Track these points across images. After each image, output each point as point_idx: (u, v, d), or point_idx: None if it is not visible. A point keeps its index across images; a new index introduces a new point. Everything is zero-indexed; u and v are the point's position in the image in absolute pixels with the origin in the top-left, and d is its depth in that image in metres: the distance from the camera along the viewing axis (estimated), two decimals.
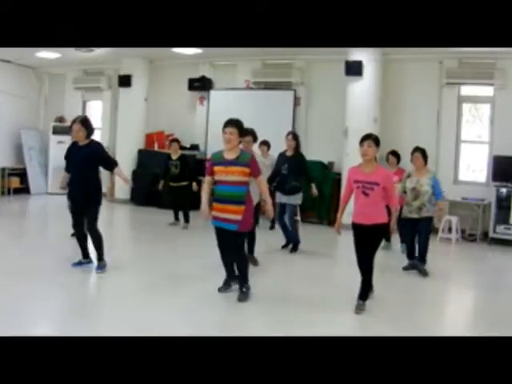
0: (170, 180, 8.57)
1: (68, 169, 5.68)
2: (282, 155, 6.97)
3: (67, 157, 5.88)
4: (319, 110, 10.03)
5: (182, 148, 8.75)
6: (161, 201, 10.40)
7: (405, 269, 6.08)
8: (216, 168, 4.60)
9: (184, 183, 8.44)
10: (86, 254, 5.66)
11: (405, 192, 5.97)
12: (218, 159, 4.64)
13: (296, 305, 4.68)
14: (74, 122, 5.53)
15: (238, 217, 4.53)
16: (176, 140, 8.85)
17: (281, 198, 6.87)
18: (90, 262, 5.66)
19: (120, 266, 5.73)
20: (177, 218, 8.71)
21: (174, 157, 8.51)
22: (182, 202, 8.56)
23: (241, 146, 4.76)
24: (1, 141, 11.81)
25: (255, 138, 6.12)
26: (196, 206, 8.35)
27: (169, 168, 8.48)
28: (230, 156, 4.59)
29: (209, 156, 11.77)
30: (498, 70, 8.54)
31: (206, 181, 4.78)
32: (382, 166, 4.72)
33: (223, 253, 4.83)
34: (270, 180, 6.59)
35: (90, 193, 5.39)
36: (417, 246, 6.02)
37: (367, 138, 4.47)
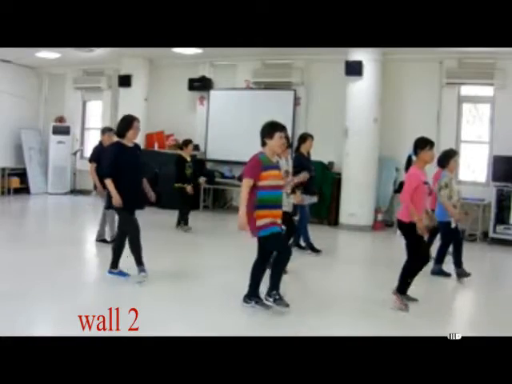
0: (181, 182, 8.23)
1: (116, 172, 5.02)
2: (304, 157, 6.74)
3: (117, 160, 5.04)
4: (319, 110, 10.02)
5: (182, 148, 8.67)
6: (161, 201, 10.38)
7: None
8: (271, 172, 4.30)
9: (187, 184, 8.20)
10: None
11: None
12: (268, 163, 4.33)
13: (297, 306, 4.68)
14: (137, 120, 5.16)
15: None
16: (191, 141, 8.58)
17: (312, 199, 6.79)
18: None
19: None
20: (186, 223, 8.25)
21: (189, 158, 8.35)
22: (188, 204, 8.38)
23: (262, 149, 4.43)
24: (1, 141, 11.81)
25: (288, 141, 5.83)
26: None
27: (185, 170, 8.21)
28: (274, 160, 4.47)
29: (209, 156, 11.63)
30: (498, 69, 8.54)
31: (249, 185, 4.24)
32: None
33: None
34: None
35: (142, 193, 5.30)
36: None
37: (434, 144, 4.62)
